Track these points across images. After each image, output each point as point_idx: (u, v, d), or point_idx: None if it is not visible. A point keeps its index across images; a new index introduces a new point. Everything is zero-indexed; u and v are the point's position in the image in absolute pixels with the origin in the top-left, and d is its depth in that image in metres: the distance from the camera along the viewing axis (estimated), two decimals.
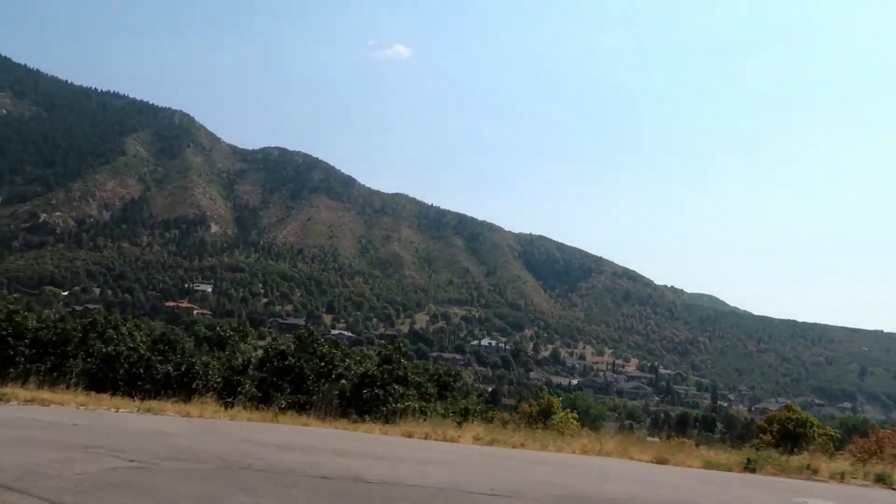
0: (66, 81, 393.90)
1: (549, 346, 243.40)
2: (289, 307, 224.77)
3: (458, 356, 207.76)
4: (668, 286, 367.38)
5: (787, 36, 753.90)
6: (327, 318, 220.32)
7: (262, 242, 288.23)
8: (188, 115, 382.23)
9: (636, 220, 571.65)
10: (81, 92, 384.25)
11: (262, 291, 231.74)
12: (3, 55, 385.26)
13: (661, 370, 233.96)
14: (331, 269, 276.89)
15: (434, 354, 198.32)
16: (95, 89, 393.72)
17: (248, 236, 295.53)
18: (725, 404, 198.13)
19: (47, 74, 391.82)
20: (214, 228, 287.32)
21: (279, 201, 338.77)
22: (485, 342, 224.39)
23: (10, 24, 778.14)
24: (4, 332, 24.95)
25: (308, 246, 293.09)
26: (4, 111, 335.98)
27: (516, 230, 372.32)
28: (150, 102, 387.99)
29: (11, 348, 24.72)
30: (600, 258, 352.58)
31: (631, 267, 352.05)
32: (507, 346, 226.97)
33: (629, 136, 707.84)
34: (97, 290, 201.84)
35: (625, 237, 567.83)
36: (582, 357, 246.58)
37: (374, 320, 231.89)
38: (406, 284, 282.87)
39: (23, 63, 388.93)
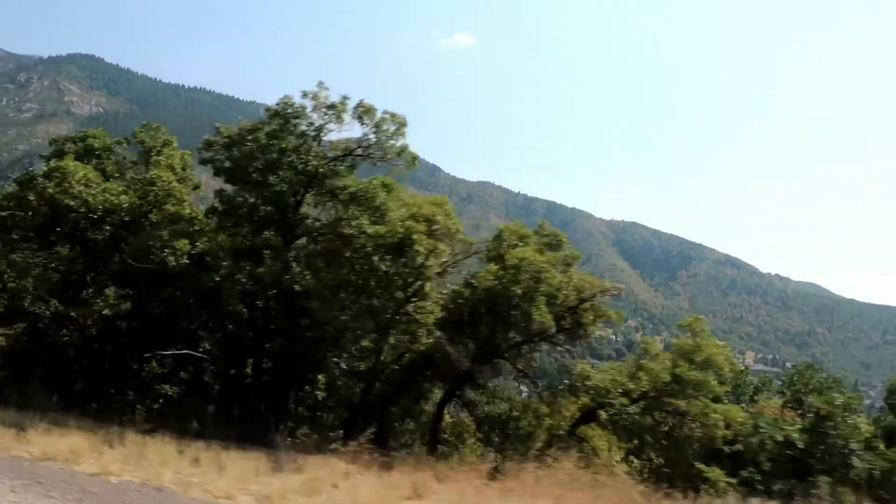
0: (156, 79, 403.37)
1: (658, 338, 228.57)
2: None
3: (569, 348, 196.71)
4: (774, 274, 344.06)
5: None
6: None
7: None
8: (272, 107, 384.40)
9: (735, 206, 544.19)
10: (170, 89, 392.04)
11: None
12: (97, 56, 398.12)
13: (788, 364, 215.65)
14: None
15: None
16: (183, 86, 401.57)
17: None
18: (868, 402, 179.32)
19: (137, 73, 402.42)
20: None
21: None
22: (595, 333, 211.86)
23: (101, 26, 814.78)
24: None
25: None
26: (101, 109, 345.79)
27: (607, 217, 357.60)
28: (236, 97, 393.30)
29: None
30: (700, 245, 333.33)
31: (733, 254, 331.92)
32: (618, 338, 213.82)
33: (723, 119, 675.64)
34: None
35: (724, 223, 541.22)
36: None
37: None
38: None
39: (115, 63, 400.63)
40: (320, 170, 19.76)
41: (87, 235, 20.39)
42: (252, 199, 19.70)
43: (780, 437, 17.49)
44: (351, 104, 19.74)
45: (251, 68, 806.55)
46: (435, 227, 19.21)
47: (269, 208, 19.81)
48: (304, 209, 20.93)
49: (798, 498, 12.55)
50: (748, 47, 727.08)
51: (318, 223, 20.91)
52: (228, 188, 20.98)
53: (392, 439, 20.41)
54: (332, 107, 19.66)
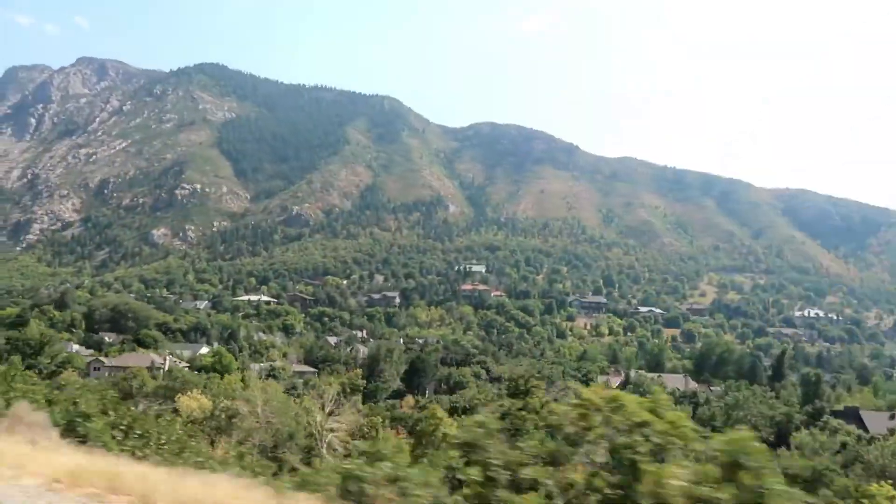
0: (277, 81, 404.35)
1: (891, 317, 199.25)
2: (566, 284, 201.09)
3: (785, 330, 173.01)
4: None
5: None
6: (616, 296, 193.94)
7: (502, 219, 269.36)
8: (396, 99, 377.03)
9: None
10: (293, 89, 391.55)
11: (532, 270, 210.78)
12: (221, 63, 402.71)
13: None
14: (582, 241, 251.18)
15: (769, 329, 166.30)
16: (304, 85, 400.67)
17: (483, 213, 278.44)
18: None
19: (260, 77, 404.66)
20: (452, 208, 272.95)
21: (503, 176, 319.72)
22: (812, 312, 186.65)
23: (223, 36, 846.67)
24: None
25: (551, 218, 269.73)
26: (233, 114, 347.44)
27: (769, 186, 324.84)
28: (358, 91, 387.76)
29: None
30: (887, 209, 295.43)
31: None
32: (838, 318, 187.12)
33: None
34: (380, 278, 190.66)
35: None
36: None
37: (662, 294, 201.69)
38: (670, 253, 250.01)
39: (238, 69, 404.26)
40: None
41: None
42: None
43: None
44: None
45: (361, 62, 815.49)
46: None
47: None
48: None
49: None
50: None
51: None
52: None
53: None
54: None
